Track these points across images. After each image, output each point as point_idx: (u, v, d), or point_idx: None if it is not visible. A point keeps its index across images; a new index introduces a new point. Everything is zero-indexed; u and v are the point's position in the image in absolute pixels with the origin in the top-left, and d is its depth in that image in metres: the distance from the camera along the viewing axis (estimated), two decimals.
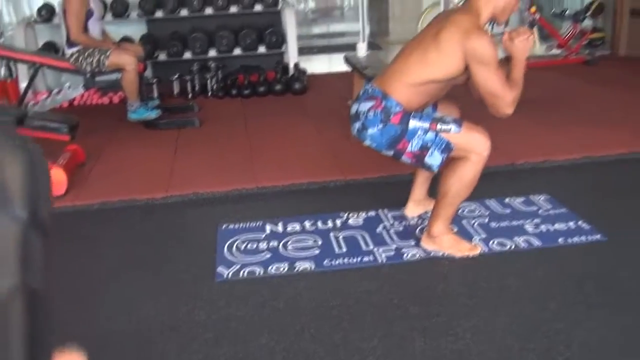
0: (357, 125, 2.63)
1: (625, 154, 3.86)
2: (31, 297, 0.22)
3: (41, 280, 0.22)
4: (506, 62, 2.61)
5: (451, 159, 2.57)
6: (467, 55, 2.46)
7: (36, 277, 0.22)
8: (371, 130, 2.58)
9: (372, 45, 7.43)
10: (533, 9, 6.39)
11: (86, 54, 4.74)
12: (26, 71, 5.68)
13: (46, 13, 6.23)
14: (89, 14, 4.74)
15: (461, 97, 2.79)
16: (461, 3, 7.59)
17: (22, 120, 3.90)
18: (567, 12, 6.84)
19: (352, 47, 6.32)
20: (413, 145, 2.55)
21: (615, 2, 7.06)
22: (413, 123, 2.53)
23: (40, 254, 0.23)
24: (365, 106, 2.60)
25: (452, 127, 2.52)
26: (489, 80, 2.47)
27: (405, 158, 2.61)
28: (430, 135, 2.52)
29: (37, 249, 0.23)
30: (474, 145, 2.52)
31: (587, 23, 7.23)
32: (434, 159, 2.55)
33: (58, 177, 3.52)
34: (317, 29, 9.90)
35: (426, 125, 2.52)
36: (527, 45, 2.54)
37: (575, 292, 2.38)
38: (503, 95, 2.48)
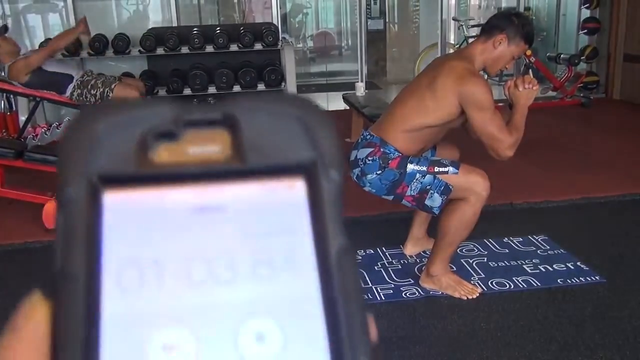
0: (357, 171, 2.65)
1: (622, 196, 3.88)
2: (354, 254, 0.24)
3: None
4: (508, 110, 2.64)
5: (451, 200, 2.58)
6: (463, 101, 2.49)
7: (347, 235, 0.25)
8: (370, 176, 2.59)
9: (370, 85, 7.53)
10: (529, 51, 6.50)
11: (89, 86, 4.78)
12: (26, 105, 5.72)
13: None
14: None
15: (460, 138, 2.82)
16: (457, 46, 7.71)
17: (21, 153, 3.90)
18: (562, 55, 6.96)
19: (350, 86, 6.40)
20: (412, 189, 2.56)
21: (609, 47, 7.20)
22: (411, 167, 2.55)
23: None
24: (363, 153, 2.62)
25: (450, 169, 2.54)
26: (487, 124, 2.49)
27: (405, 202, 2.62)
28: (428, 178, 2.54)
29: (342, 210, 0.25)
30: (473, 186, 2.53)
31: (582, 67, 7.36)
32: (434, 201, 2.56)
33: (53, 210, 3.51)
34: (315, 68, 10.03)
35: (424, 168, 2.54)
36: (531, 94, 2.56)
37: (576, 334, 2.36)
38: (502, 138, 2.50)
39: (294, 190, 0.25)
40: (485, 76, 2.72)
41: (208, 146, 0.25)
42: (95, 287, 0.23)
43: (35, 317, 0.23)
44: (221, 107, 0.26)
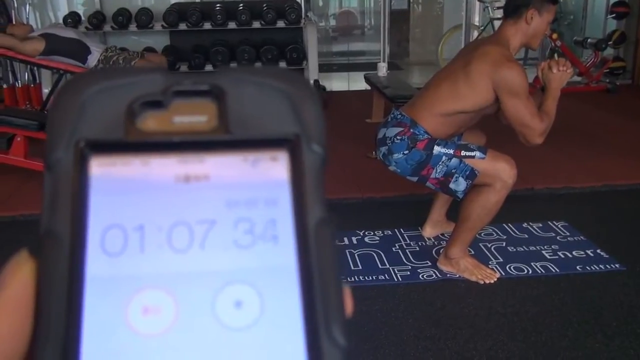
0: (383, 149, 2.64)
1: None
2: (333, 227, 0.25)
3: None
4: (540, 92, 2.61)
5: (475, 185, 2.56)
6: (497, 86, 2.47)
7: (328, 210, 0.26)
8: (397, 156, 2.58)
9: (392, 66, 7.46)
10: (555, 35, 6.40)
11: (111, 62, 4.80)
12: (50, 77, 5.76)
13: (72, 21, 6.32)
14: None
15: (485, 121, 2.79)
16: (482, 28, 7.60)
17: (44, 125, 3.94)
18: (588, 40, 6.83)
19: (372, 66, 6.36)
20: (437, 172, 2.55)
21: (638, 32, 7.05)
22: (437, 149, 2.53)
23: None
24: (392, 132, 2.61)
25: (477, 153, 2.52)
26: (519, 111, 2.47)
27: (429, 184, 2.61)
28: (454, 161, 2.52)
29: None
30: (499, 172, 2.51)
31: (609, 52, 7.22)
32: (459, 185, 2.55)
33: None
34: (338, 47, 9.95)
35: (450, 151, 2.52)
36: (564, 76, 2.54)
37: (593, 321, 2.35)
38: (533, 126, 2.48)
39: (277, 162, 0.26)
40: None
41: (194, 116, 0.26)
42: (79, 249, 0.24)
43: (20, 274, 0.24)
44: (209, 78, 0.26)
